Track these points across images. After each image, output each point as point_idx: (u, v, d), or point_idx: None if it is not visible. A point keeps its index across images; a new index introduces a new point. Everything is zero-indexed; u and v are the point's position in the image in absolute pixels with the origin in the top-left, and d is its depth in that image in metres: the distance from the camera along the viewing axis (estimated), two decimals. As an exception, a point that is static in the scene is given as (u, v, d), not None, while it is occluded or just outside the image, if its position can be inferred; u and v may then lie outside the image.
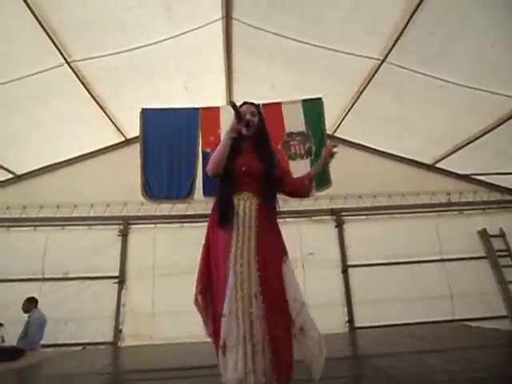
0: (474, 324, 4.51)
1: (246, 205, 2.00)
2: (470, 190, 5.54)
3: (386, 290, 4.89)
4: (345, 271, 5.08)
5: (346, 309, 4.92)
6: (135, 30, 3.56)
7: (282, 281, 1.95)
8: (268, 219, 2.03)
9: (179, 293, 4.45)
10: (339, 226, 5.30)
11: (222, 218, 1.98)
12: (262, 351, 1.78)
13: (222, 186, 2.08)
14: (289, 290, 1.95)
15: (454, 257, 5.13)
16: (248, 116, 2.09)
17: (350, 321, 4.85)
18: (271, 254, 1.97)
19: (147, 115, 4.33)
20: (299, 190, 2.25)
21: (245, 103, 2.21)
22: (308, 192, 2.26)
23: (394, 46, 3.57)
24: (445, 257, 5.15)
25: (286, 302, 1.92)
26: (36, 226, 5.01)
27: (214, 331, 1.89)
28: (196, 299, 1.99)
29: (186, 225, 5.08)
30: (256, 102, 2.31)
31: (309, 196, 2.33)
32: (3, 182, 5.18)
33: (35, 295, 4.49)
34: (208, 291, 1.97)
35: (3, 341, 4.01)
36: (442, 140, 4.89)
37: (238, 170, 2.04)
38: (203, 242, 2.09)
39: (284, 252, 2.05)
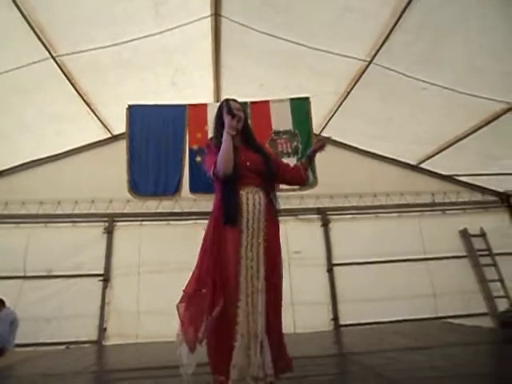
0: (455, 321, 4.64)
1: (255, 198, 2.02)
2: (453, 191, 5.66)
3: (370, 289, 4.96)
4: (330, 270, 5.14)
5: (331, 307, 4.97)
6: (123, 24, 3.52)
7: (281, 277, 2.03)
8: (273, 213, 2.07)
9: (165, 291, 4.46)
10: (325, 224, 5.35)
11: (230, 214, 1.97)
12: (268, 345, 1.83)
13: (227, 183, 2.05)
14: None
15: (437, 256, 5.23)
16: (235, 111, 2.09)
17: (335, 319, 4.91)
18: (275, 249, 2.02)
19: (134, 111, 4.30)
20: (297, 177, 2.29)
21: (227, 100, 2.21)
22: (304, 180, 2.32)
23: (381, 47, 3.61)
24: (428, 256, 5.25)
25: (281, 297, 2.00)
26: (18, 222, 4.90)
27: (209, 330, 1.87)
28: (181, 299, 1.96)
29: (172, 222, 5.05)
30: (244, 99, 2.32)
31: (305, 184, 2.45)
32: (-16, 177, 5.05)
33: (15, 293, 4.41)
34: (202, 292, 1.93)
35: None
36: (427, 141, 4.98)
37: (242, 166, 2.05)
38: (194, 242, 2.08)
39: (280, 248, 2.09)
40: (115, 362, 3.60)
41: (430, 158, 5.35)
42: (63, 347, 4.37)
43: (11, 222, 4.89)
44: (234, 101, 2.22)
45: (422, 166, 5.63)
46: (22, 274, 4.69)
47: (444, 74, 3.71)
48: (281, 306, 2.00)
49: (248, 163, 2.07)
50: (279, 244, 2.07)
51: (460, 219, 5.52)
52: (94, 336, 4.55)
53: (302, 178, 2.29)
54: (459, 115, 4.25)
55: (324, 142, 2.34)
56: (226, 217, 1.97)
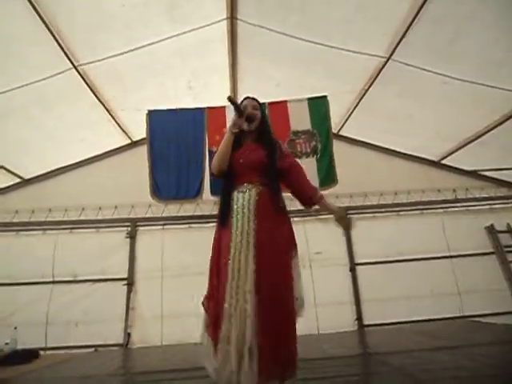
0: (483, 320, 4.52)
1: (244, 197, 1.96)
2: (477, 186, 5.51)
3: (394, 288, 4.88)
4: (352, 269, 5.09)
5: (354, 307, 4.92)
6: (139, 30, 3.57)
7: (287, 275, 1.89)
8: (270, 210, 1.95)
9: (187, 294, 4.52)
10: (346, 224, 5.29)
11: (222, 215, 1.99)
12: (255, 350, 1.71)
13: (223, 183, 2.07)
14: (295, 286, 1.91)
15: (462, 253, 5.10)
16: (250, 110, 2.08)
17: (359, 318, 4.85)
18: (272, 246, 1.89)
19: (153, 117, 4.37)
20: (300, 189, 2.13)
21: (246, 98, 2.20)
22: (308, 198, 2.10)
23: (399, 43, 3.56)
24: (452, 253, 5.13)
25: (289, 297, 1.86)
26: (45, 229, 5.04)
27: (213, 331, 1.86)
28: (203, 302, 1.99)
29: (193, 225, 5.10)
30: (261, 100, 2.32)
31: (307, 204, 2.14)
32: (12, 186, 5.21)
33: (47, 298, 4.57)
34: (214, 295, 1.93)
35: (16, 343, 4.03)
36: (448, 136, 4.88)
37: (236, 163, 2.03)
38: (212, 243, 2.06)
39: (292, 246, 1.99)
40: (142, 364, 3.65)
41: (452, 153, 5.23)
42: (92, 350, 4.47)
43: (39, 229, 5.04)
44: (253, 99, 2.19)
45: (444, 161, 5.51)
46: (50, 280, 4.82)
47: (465, 67, 3.62)
48: (284, 306, 1.83)
49: (241, 160, 2.02)
50: (286, 241, 1.96)
51: (485, 215, 5.37)
52: (120, 339, 4.63)
53: (307, 194, 2.10)
54: (482, 109, 4.15)
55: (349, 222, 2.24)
56: (218, 217, 1.99)
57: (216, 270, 1.93)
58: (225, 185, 2.06)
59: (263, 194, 1.97)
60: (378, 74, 4.06)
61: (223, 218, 1.98)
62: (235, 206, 1.96)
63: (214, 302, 1.89)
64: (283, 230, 1.99)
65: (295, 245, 2.03)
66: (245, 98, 2.20)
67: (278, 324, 1.79)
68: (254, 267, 1.82)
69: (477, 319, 4.64)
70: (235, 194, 1.99)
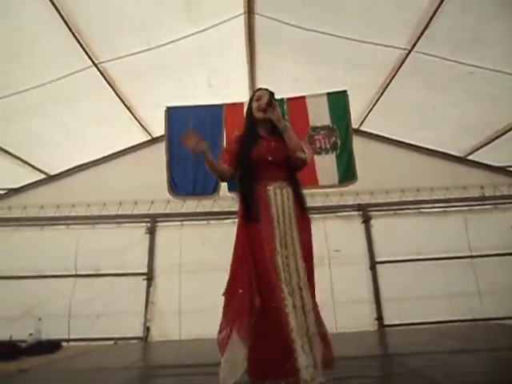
0: (508, 323, 4.33)
1: (283, 194, 1.96)
2: (506, 183, 5.28)
3: (414, 287, 4.76)
4: (373, 268, 4.98)
5: (374, 306, 4.82)
6: (156, 28, 3.58)
7: (313, 273, 1.97)
8: (301, 208, 2.01)
9: (205, 290, 4.55)
10: (366, 221, 5.19)
11: (251, 210, 1.93)
12: (317, 343, 1.80)
13: (246, 178, 2.03)
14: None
15: (488, 253, 4.90)
16: (263, 100, 2.06)
17: (379, 318, 4.75)
18: (309, 244, 1.97)
19: (172, 113, 4.40)
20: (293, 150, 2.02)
21: (258, 89, 2.20)
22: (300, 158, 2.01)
23: (422, 34, 3.43)
24: (474, 253, 4.94)
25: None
26: (68, 224, 5.19)
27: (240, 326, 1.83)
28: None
29: (212, 222, 5.12)
30: (280, 96, 2.28)
31: (297, 158, 2.02)
32: (37, 182, 5.38)
33: (69, 291, 4.73)
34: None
35: (40, 334, 4.17)
36: (475, 130, 4.66)
37: (262, 160, 1.99)
38: (233, 241, 2.02)
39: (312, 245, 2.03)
40: (159, 358, 3.72)
41: (478, 149, 5.02)
42: (112, 342, 4.58)
43: (63, 224, 5.19)
44: (265, 90, 2.17)
45: (470, 157, 5.29)
46: (73, 273, 4.96)
47: (492, 55, 3.43)
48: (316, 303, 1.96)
49: (270, 158, 1.98)
50: (311, 239, 2.02)
51: (513, 214, 5.15)
52: (139, 333, 4.72)
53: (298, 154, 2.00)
54: (510, 100, 3.95)
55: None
56: (246, 213, 1.95)
57: (248, 263, 1.88)
58: (249, 180, 2.02)
59: (294, 191, 2.01)
60: (399, 67, 3.93)
61: (253, 213, 1.93)
62: (274, 202, 1.94)
63: (239, 296, 1.85)
64: (310, 229, 2.05)
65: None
66: (258, 89, 2.19)
67: (320, 318, 1.92)
68: (304, 264, 1.88)
69: (500, 322, 4.46)
70: (271, 189, 1.96)
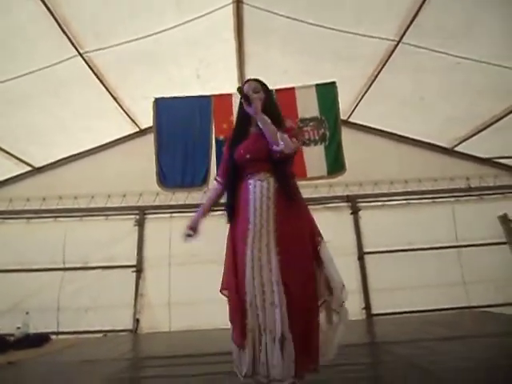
0: (494, 311, 4.44)
1: (263, 185, 1.89)
2: (491, 174, 5.36)
3: (402, 277, 4.82)
4: (361, 258, 5.04)
5: (362, 296, 4.88)
6: (144, 18, 3.52)
7: (309, 265, 1.84)
8: (287, 198, 1.89)
9: (195, 282, 4.55)
10: (355, 212, 5.23)
11: (231, 206, 1.96)
12: (282, 342, 1.68)
13: (229, 175, 2.05)
14: (323, 274, 1.88)
15: (473, 243, 4.99)
16: (250, 92, 1.94)
17: (367, 308, 4.82)
18: (295, 235, 1.84)
19: (160, 104, 4.36)
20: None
21: (247, 81, 2.09)
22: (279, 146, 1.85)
23: (409, 25, 3.44)
24: (461, 243, 5.03)
25: (312, 287, 1.83)
26: (56, 216, 5.12)
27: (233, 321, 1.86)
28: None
29: (201, 214, 5.09)
30: (269, 87, 2.23)
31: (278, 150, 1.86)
32: (23, 174, 5.29)
33: (57, 284, 4.68)
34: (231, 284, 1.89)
35: (28, 328, 4.13)
36: (462, 121, 4.71)
37: (242, 159, 1.96)
38: (222, 233, 2.06)
39: (315, 233, 1.94)
40: (148, 349, 3.72)
41: (465, 140, 5.07)
42: (101, 335, 4.56)
43: (50, 217, 5.12)
44: (255, 80, 2.05)
45: (457, 149, 5.35)
46: (61, 266, 4.92)
47: (479, 47, 3.46)
48: (308, 296, 1.80)
49: (248, 156, 1.94)
50: (308, 229, 1.91)
51: (499, 204, 5.23)
52: (129, 325, 4.71)
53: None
54: (497, 92, 3.99)
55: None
56: (226, 209, 1.98)
57: (232, 262, 1.90)
58: (232, 181, 2.02)
59: (280, 182, 1.92)
60: (388, 58, 3.94)
61: (231, 209, 1.96)
62: (252, 195, 1.89)
63: (232, 295, 1.86)
64: (303, 219, 1.95)
65: (318, 233, 1.97)
66: (246, 81, 2.12)
67: (305, 314, 1.77)
68: (279, 257, 1.78)
69: (486, 309, 4.56)
70: (251, 181, 1.91)
